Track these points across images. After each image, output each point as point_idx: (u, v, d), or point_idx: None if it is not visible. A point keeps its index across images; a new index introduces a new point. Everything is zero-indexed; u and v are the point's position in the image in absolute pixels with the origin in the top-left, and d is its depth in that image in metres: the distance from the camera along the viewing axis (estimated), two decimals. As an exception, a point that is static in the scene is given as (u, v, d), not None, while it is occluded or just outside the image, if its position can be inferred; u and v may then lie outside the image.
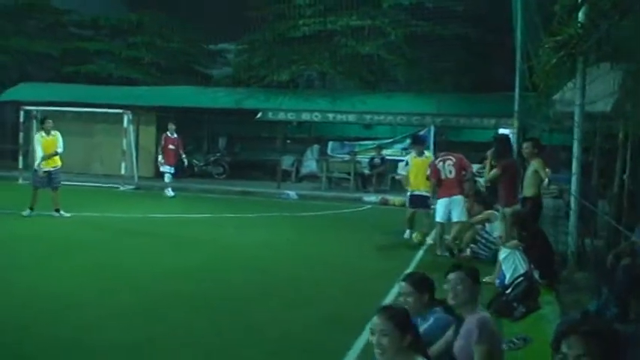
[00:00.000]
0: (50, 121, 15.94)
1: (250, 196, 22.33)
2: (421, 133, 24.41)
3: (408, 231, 13.61)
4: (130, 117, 24.01)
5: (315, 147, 27.29)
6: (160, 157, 21.73)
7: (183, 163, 22.33)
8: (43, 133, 15.61)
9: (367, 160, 25.15)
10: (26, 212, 15.09)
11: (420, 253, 12.23)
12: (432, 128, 24.09)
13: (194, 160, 27.60)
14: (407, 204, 14.15)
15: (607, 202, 11.76)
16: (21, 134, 24.68)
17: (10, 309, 7.71)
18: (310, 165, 27.06)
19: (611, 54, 9.21)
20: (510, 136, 15.48)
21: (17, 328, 6.94)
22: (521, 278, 8.17)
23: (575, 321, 3.06)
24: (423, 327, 5.04)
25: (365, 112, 24.99)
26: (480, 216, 11.97)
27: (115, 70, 31.39)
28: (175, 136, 21.72)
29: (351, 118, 25.36)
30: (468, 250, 11.94)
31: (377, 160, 24.71)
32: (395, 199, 21.09)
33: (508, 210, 10.35)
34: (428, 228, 13.30)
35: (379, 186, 24.33)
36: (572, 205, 9.71)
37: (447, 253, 11.95)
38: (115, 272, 9.82)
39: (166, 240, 13.11)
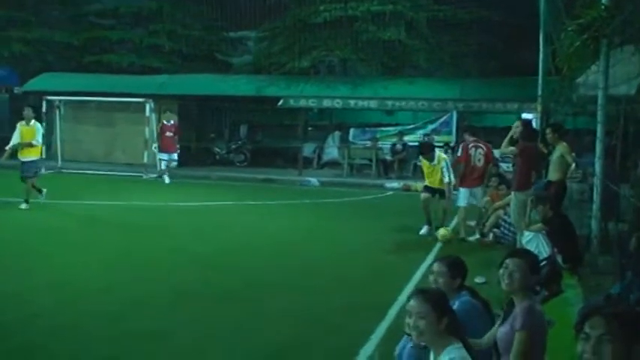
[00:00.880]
0: (30, 109, 15.68)
1: (272, 183, 22.36)
2: (442, 119, 24.31)
3: (425, 227, 12.86)
4: (152, 106, 24.09)
5: (337, 134, 27.23)
6: (154, 145, 22.02)
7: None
8: (23, 122, 15.31)
9: (389, 146, 25.07)
10: (24, 205, 14.65)
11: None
12: (455, 114, 23.95)
13: (216, 148, 27.69)
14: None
15: (630, 185, 11.64)
16: (43, 124, 24.81)
17: (31, 295, 7.79)
18: (332, 152, 27.02)
19: (635, 36, 9.09)
20: (533, 120, 15.38)
21: (33, 316, 7.01)
22: (544, 262, 8.12)
23: (599, 303, 3.03)
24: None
25: (386, 98, 24.86)
26: (502, 200, 11.93)
27: (137, 59, 31.45)
28: (172, 122, 21.97)
29: (373, 104, 25.25)
30: (491, 235, 11.91)
31: (399, 147, 24.62)
32: (417, 184, 21.01)
33: (519, 194, 10.24)
34: (441, 221, 12.90)
35: (401, 172, 24.25)
36: (596, 188, 9.62)
37: (472, 237, 11.97)
38: (136, 261, 9.88)
39: (188, 228, 13.17)
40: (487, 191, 13.07)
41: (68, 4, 33.51)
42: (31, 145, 15.05)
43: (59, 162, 24.25)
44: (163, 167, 21.99)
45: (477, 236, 12.26)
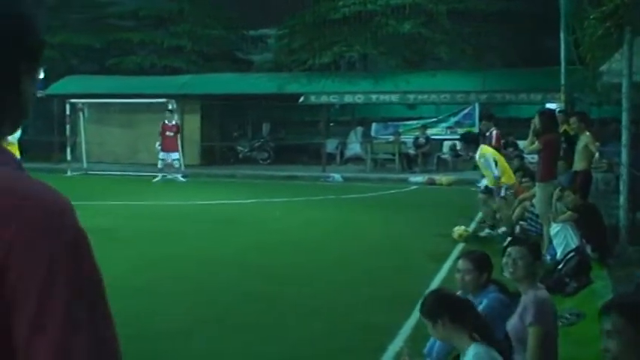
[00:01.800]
0: None
1: (295, 180, 22.37)
2: (465, 111, 24.20)
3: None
4: (174, 106, 24.21)
5: (359, 129, 27.19)
6: (157, 144, 22.13)
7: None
8: None
9: (412, 140, 25.00)
10: None
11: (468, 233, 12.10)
12: (477, 105, 23.82)
13: (239, 147, 27.78)
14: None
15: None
16: (68, 127, 25.04)
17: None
18: (354, 147, 26.99)
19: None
20: (557, 110, 15.26)
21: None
22: (573, 253, 8.07)
23: (615, 299, 3.06)
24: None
25: (408, 91, 24.77)
26: (528, 192, 11.84)
27: (158, 60, 31.64)
28: (174, 122, 22.08)
29: (395, 98, 25.18)
30: (517, 227, 11.82)
31: (422, 140, 24.54)
32: (442, 178, 20.96)
33: (544, 185, 10.14)
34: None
35: (425, 166, 24.17)
36: (623, 177, 9.53)
37: (482, 233, 11.92)
38: (162, 260, 9.93)
39: (212, 226, 13.22)
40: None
41: (89, 7, 33.74)
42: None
43: (84, 164, 24.43)
44: (160, 166, 22.13)
45: (488, 231, 12.13)
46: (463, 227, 11.85)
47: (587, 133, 10.82)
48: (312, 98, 25.18)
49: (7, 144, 4.60)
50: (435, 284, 8.19)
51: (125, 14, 34.33)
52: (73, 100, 24.81)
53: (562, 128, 11.77)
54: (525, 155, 13.93)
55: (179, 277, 8.80)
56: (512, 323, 4.54)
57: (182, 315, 7.21)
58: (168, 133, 22.06)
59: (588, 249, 8.61)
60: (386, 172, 23.63)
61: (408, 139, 25.09)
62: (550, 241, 9.09)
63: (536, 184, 10.48)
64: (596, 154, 10.71)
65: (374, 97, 25.12)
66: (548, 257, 8.96)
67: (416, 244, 11.29)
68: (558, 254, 8.55)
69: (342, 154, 27.21)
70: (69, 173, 23.48)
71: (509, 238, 6.86)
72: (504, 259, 4.68)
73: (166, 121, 22.27)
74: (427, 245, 11.09)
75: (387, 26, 27.40)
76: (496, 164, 11.67)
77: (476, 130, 23.24)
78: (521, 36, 26.94)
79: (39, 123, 28.90)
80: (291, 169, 24.14)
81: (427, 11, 27.09)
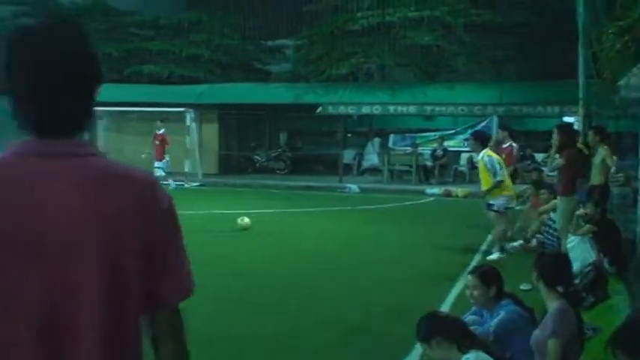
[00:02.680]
0: None
1: (312, 190, 22.41)
2: (483, 123, 24.16)
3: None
4: (192, 115, 24.34)
5: (376, 140, 27.25)
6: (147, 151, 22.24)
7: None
8: None
9: (429, 151, 25.01)
10: None
11: (484, 246, 12.07)
12: (495, 118, 23.81)
13: (256, 157, 27.88)
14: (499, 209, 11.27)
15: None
16: (88, 135, 25.19)
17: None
18: (372, 158, 27.03)
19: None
20: (575, 124, 15.23)
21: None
22: (590, 267, 8.06)
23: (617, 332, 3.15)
24: (493, 322, 5.01)
25: (425, 103, 24.75)
26: (546, 205, 11.81)
27: (176, 69, 31.83)
28: (162, 131, 22.03)
29: (412, 109, 25.18)
30: (534, 240, 11.79)
31: (439, 152, 24.55)
32: (458, 190, 20.94)
33: (564, 199, 10.12)
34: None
35: (442, 178, 24.16)
36: (640, 191, 9.51)
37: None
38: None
39: (228, 235, 13.28)
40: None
41: (109, 15, 34.04)
42: None
43: (103, 172, 24.57)
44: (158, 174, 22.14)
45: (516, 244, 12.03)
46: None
47: (605, 147, 10.80)
48: (330, 109, 25.23)
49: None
50: (450, 296, 8.20)
51: (144, 23, 34.64)
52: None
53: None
54: (544, 169, 13.91)
55: (196, 289, 8.81)
56: (535, 334, 4.57)
57: (197, 327, 7.23)
58: (155, 141, 22.06)
59: (606, 263, 8.59)
60: (403, 184, 23.63)
61: (425, 150, 25.10)
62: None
63: (558, 197, 10.46)
64: (613, 168, 10.67)
65: (391, 108, 25.13)
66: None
67: (432, 255, 11.28)
68: (575, 268, 8.53)
69: (359, 164, 27.28)
70: None
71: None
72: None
73: (157, 131, 22.20)
74: (443, 257, 11.08)
75: (404, 38, 27.48)
76: (500, 168, 11.31)
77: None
78: (539, 49, 26.93)
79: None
80: (307, 180, 24.20)
81: (445, 23, 27.15)
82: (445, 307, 7.55)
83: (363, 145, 27.63)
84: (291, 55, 33.21)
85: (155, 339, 1.86)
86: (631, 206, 10.95)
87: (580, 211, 9.68)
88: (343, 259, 11.06)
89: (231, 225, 14.62)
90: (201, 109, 25.76)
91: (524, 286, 7.82)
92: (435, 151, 24.71)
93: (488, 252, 11.28)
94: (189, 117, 24.24)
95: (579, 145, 11.97)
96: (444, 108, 24.74)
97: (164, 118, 23.75)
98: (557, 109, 22.39)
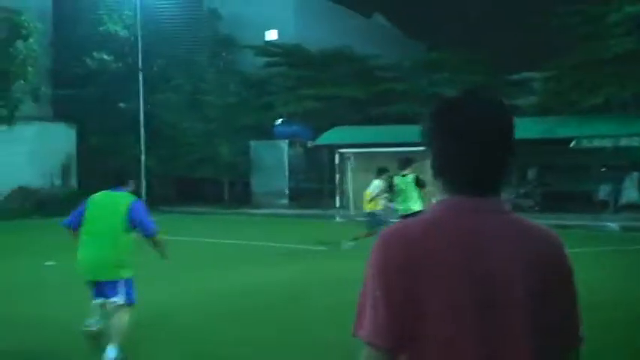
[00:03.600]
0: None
1: (566, 229, 21.17)
2: None
3: None
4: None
5: (635, 174, 25.45)
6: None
7: None
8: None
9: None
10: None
11: None
12: None
13: (504, 193, 27.07)
14: None
15: None
16: (337, 175, 25.96)
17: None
18: (630, 193, 25.27)
19: None
20: None
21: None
22: None
23: None
24: None
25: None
26: None
27: (420, 108, 31.97)
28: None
29: (673, 141, 23.27)
30: None
31: None
32: None
33: None
34: None
35: None
36: None
37: None
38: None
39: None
40: None
41: (355, 61, 35.21)
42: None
43: (351, 211, 25.13)
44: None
45: None
46: None
47: None
48: (585, 142, 23.97)
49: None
50: None
51: (388, 66, 35.40)
52: (342, 150, 25.73)
53: None
54: None
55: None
56: None
57: None
58: None
59: None
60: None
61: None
62: None
63: None
64: None
65: (651, 140, 23.39)
66: None
67: None
68: None
69: (615, 200, 25.60)
70: (337, 219, 24.23)
71: None
72: None
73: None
74: None
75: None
76: None
77: None
78: None
79: (309, 171, 30.37)
80: (560, 217, 22.99)
81: None
82: None
83: (620, 180, 25.90)
84: (538, 87, 32.20)
85: None
86: None
87: None
88: (618, 309, 9.56)
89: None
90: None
91: None
92: None
93: None
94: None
95: None
96: None
97: (410, 157, 23.72)
98: None
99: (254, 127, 33.93)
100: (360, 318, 1.86)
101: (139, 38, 32.83)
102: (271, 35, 39.29)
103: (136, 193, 8.71)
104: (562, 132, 24.84)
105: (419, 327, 1.79)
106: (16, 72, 27.49)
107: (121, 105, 33.71)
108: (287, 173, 31.56)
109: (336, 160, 25.74)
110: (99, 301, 6.85)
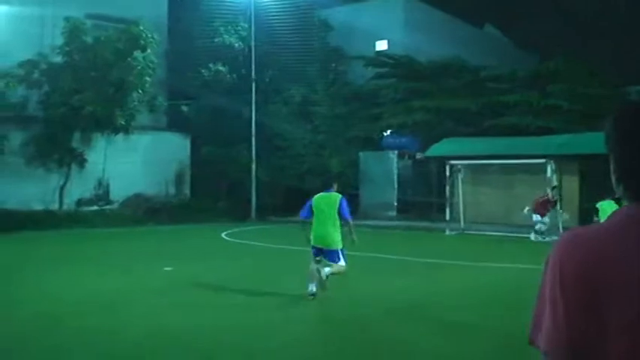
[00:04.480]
0: None
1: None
2: None
3: None
4: (553, 166, 23.59)
5: None
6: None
7: None
8: None
9: None
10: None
11: None
12: None
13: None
14: None
15: None
16: (447, 187, 25.69)
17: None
18: None
19: None
20: None
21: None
22: None
23: None
24: None
25: None
26: None
27: (533, 120, 31.25)
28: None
29: None
30: None
31: None
32: None
33: None
34: None
35: None
36: None
37: None
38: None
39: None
40: None
41: (465, 72, 34.78)
42: None
43: (462, 223, 24.80)
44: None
45: None
46: None
47: None
48: None
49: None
50: None
51: (500, 77, 34.78)
52: (452, 162, 25.44)
53: None
54: None
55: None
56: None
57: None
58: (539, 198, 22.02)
59: None
60: None
61: None
62: None
63: None
64: None
65: None
66: None
67: None
68: None
69: None
70: (447, 232, 23.97)
71: None
72: None
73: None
74: None
75: None
76: None
77: None
78: None
79: (418, 183, 30.16)
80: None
81: None
82: None
83: None
84: (658, 100, 30.93)
85: None
86: None
87: None
88: None
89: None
90: (561, 160, 24.86)
91: None
92: None
93: None
94: (549, 168, 23.52)
95: None
96: None
97: (525, 169, 23.36)
98: None
99: (362, 138, 33.99)
100: (536, 326, 1.81)
101: (253, 49, 33.44)
102: (382, 46, 39.25)
103: (341, 192, 11.49)
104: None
105: (597, 337, 1.71)
106: (133, 82, 28.25)
107: (235, 115, 34.34)
108: (396, 185, 31.39)
109: (447, 172, 25.42)
110: (318, 258, 10.97)
